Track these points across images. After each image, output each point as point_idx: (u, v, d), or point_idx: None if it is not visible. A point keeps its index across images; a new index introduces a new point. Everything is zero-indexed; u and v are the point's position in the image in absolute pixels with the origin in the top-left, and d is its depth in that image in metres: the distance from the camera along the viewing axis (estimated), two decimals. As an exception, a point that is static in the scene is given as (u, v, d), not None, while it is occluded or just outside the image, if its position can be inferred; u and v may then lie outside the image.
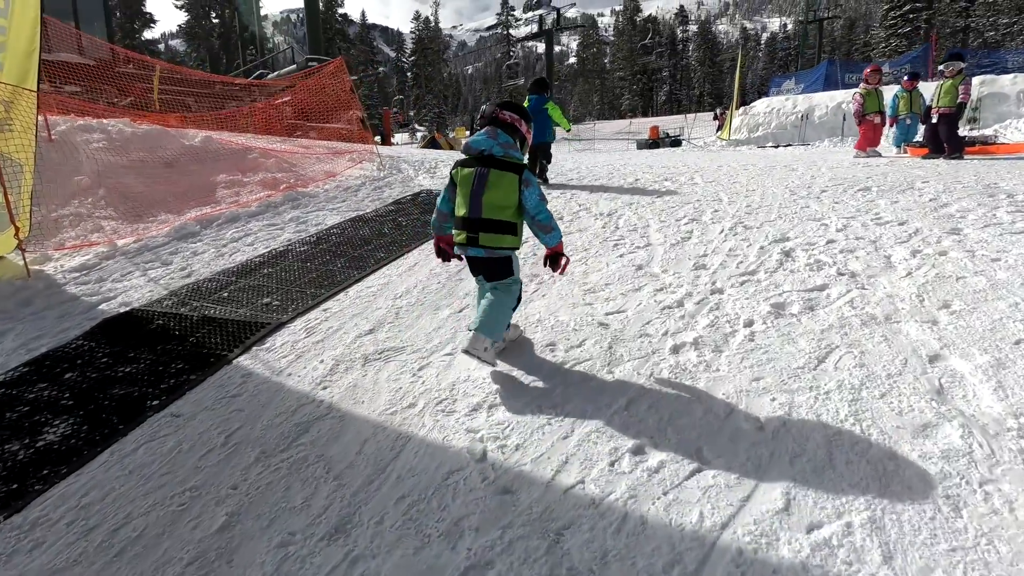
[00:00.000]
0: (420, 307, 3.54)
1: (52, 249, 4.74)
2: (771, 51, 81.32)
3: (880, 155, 9.48)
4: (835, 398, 2.31)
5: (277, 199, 6.18)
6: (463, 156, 2.65)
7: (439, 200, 2.74)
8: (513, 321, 2.92)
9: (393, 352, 3.00)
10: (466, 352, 2.54)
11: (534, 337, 3.02)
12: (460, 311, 3.44)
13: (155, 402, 2.67)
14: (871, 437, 2.07)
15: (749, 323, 3.02)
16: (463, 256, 2.72)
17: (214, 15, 54.32)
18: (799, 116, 23.08)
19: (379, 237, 5.04)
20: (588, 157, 13.37)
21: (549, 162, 7.94)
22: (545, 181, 7.74)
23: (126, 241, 4.93)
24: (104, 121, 6.43)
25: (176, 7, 54.75)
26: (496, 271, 2.68)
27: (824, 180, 6.51)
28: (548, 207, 2.68)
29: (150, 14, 52.13)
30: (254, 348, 3.15)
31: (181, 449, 2.35)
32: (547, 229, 2.61)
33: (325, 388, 2.72)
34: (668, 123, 39.43)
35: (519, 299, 2.83)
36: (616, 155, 14.99)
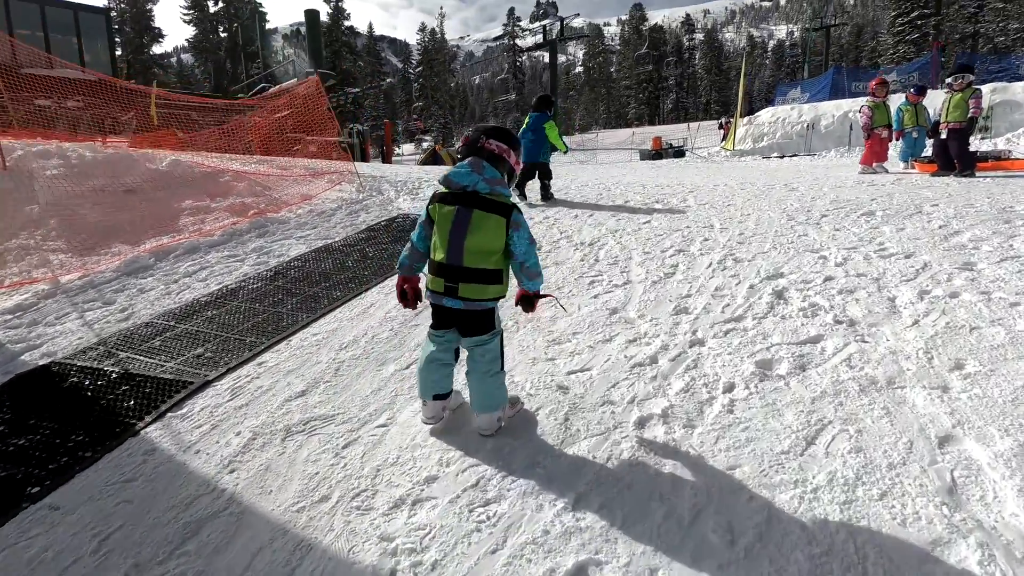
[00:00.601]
0: (364, 361, 3.17)
1: (-9, 287, 4.42)
2: (778, 58, 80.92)
3: (887, 171, 9.05)
4: (825, 499, 1.91)
5: (243, 226, 5.85)
6: (442, 189, 2.25)
7: (414, 236, 2.34)
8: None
9: (320, 422, 2.63)
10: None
11: (482, 404, 2.64)
12: (407, 367, 3.06)
13: (36, 489, 2.31)
14: (868, 560, 1.67)
15: (729, 387, 2.62)
16: (432, 303, 2.32)
17: (222, 29, 54.80)
18: (805, 126, 22.65)
19: (341, 271, 4.68)
20: (583, 172, 13.01)
21: (550, 179, 7.64)
22: (551, 197, 7.48)
23: (71, 277, 4.61)
24: (64, 146, 6.15)
25: (184, 22, 55.31)
26: (476, 325, 2.30)
27: (825, 203, 6.10)
28: (536, 249, 2.32)
29: (158, 29, 52.65)
30: (168, 414, 2.79)
31: (44, 559, 1.98)
32: (534, 276, 2.30)
33: (233, 471, 2.35)
34: (673, 132, 39.10)
35: (503, 351, 2.43)
36: (614, 169, 14.63)
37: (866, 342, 2.93)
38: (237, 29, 52.05)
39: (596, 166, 19.57)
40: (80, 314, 4.09)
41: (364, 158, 24.45)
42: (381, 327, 3.59)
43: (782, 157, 20.72)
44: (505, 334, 3.37)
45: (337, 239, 5.71)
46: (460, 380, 2.67)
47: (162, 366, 3.24)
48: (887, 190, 6.71)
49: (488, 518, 1.96)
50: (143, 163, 6.40)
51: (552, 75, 52.15)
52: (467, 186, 2.18)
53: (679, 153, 26.42)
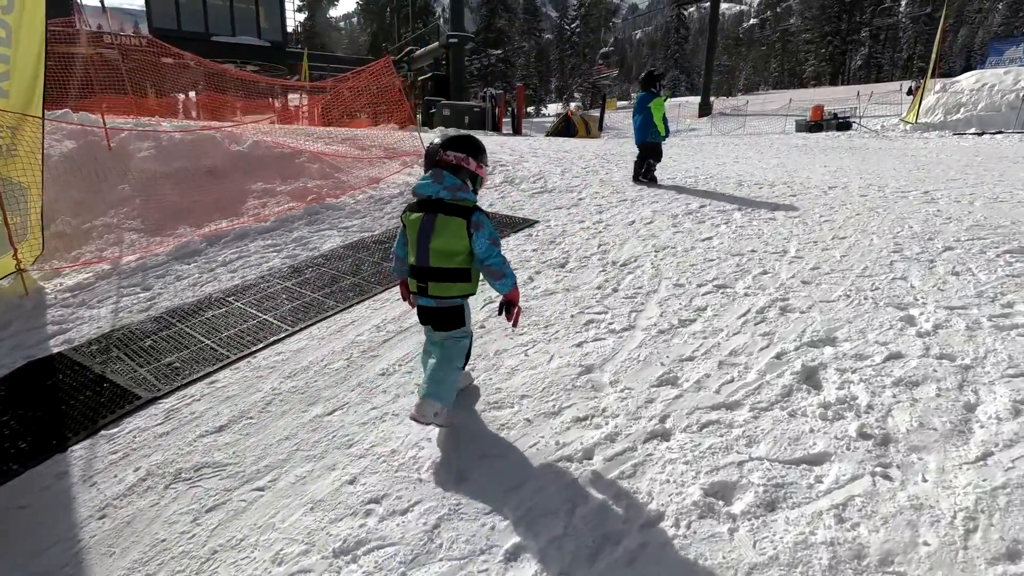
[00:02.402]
0: (297, 398, 3.00)
1: (67, 265, 4.99)
2: (1015, 4, 65.37)
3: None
4: None
5: (297, 212, 6.00)
6: (412, 200, 2.50)
7: (395, 244, 2.66)
8: (467, 368, 2.83)
9: (210, 471, 2.52)
10: (415, 420, 2.40)
11: (373, 478, 2.33)
12: (331, 412, 2.83)
13: (-45, 499, 2.48)
14: None
15: (655, 519, 2.02)
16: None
17: (390, -10, 57.41)
18: (1020, 95, 18.18)
19: (353, 274, 4.56)
20: (694, 156, 11.65)
21: (657, 161, 7.57)
22: (653, 180, 7.43)
23: (130, 259, 5.04)
24: (160, 125, 6.73)
25: (358, -16, 59.12)
26: (447, 321, 2.53)
27: (962, 226, 4.67)
28: (502, 251, 2.45)
29: (335, -7, 57.16)
30: (102, 432, 2.87)
31: (-93, 584, 2.11)
32: (498, 275, 2.42)
33: (102, 518, 2.32)
34: (846, 97, 33.84)
35: (469, 353, 2.71)
36: (731, 151, 12.92)
37: (889, 479, 2.10)
38: (402, -9, 53.98)
39: (726, 142, 17.56)
40: (117, 299, 4.45)
41: (496, 125, 24.06)
42: (341, 353, 3.39)
43: (980, 134, 16.93)
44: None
45: (376, 232, 5.62)
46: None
47: (133, 372, 3.37)
48: (1073, 210, 4.98)
49: (266, 658, 1.68)
50: (226, 144, 6.83)
51: (712, 29, 47.42)
52: (430, 196, 2.38)
53: (843, 126, 22.63)
